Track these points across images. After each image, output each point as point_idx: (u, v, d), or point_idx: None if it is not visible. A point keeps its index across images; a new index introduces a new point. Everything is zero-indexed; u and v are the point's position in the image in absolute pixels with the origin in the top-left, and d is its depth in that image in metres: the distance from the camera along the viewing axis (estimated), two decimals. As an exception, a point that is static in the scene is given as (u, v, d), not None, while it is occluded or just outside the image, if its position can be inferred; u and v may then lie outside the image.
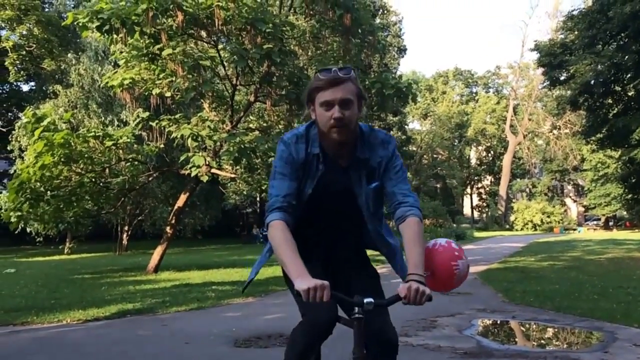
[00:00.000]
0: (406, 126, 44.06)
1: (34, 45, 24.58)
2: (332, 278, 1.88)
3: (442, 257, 1.99)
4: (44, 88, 26.96)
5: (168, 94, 11.49)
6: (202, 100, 12.47)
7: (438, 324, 5.73)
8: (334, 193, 2.06)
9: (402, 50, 39.59)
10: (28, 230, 16.32)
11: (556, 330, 5.67)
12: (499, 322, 6.21)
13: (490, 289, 8.75)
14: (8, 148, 22.28)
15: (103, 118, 21.64)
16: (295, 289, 1.70)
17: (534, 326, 5.90)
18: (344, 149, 2.00)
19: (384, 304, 1.83)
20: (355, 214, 2.09)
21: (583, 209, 52.90)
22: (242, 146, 10.62)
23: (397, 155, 2.07)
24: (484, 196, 58.82)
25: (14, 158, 22.01)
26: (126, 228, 23.11)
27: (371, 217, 2.10)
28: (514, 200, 54.09)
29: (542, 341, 5.32)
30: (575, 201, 55.39)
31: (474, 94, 61.13)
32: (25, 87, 30.07)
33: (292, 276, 1.75)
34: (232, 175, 13.35)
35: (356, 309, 1.76)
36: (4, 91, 29.27)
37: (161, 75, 11.35)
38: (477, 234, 35.19)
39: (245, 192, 28.77)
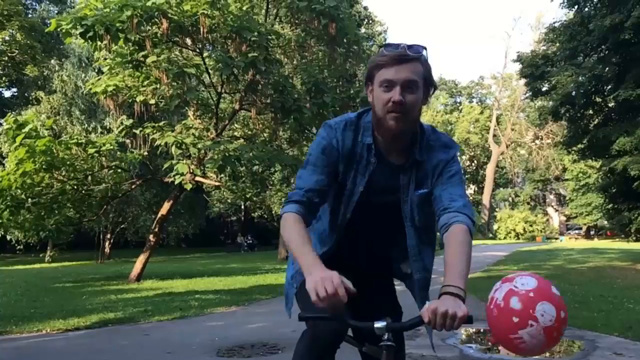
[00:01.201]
0: (391, 135, 44.26)
1: (17, 51, 24.37)
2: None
3: (498, 323, 1.45)
4: (26, 94, 26.72)
5: (152, 102, 11.44)
6: (186, 108, 12.43)
7: (421, 332, 5.73)
8: (380, 195, 1.76)
9: (387, 60, 39.81)
10: (8, 238, 16.11)
11: (538, 338, 5.71)
12: (482, 330, 6.24)
13: (473, 298, 8.77)
14: (-12, 154, 21.93)
15: (86, 125, 21.48)
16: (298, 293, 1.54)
17: (517, 335, 5.94)
18: (399, 142, 1.70)
19: (399, 328, 1.51)
20: (398, 225, 1.78)
21: (565, 218, 53.52)
22: (227, 154, 10.60)
23: (457, 161, 1.76)
24: (467, 205, 59.19)
25: (-6, 165, 21.69)
26: (109, 236, 22.88)
27: (414, 231, 1.78)
28: (497, 209, 54.57)
29: (524, 350, 5.35)
30: (557, 210, 56.00)
31: (457, 104, 61.70)
32: (7, 93, 29.80)
33: (303, 270, 1.47)
34: (217, 184, 13.31)
35: (386, 334, 1.47)
36: (-15, 97, 28.92)
37: (145, 83, 11.30)
38: (460, 243, 35.28)
39: (229, 201, 28.67)
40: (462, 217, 1.62)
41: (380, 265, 1.91)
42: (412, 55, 1.61)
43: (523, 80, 25.27)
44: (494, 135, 52.72)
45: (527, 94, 23.93)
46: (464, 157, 58.69)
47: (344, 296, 1.36)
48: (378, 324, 1.44)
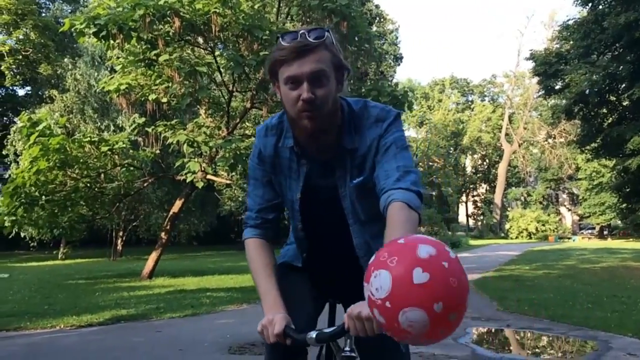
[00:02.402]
0: (402, 134, 44.12)
1: (31, 50, 24.59)
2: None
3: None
4: (40, 93, 26.92)
5: (164, 100, 11.50)
6: (198, 107, 12.47)
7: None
8: (321, 197, 1.60)
9: (398, 59, 39.75)
10: (22, 235, 16.23)
11: (551, 338, 5.67)
12: (493, 330, 6.21)
13: (485, 297, 8.74)
14: (3, 152, 22.19)
15: (99, 123, 21.61)
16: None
17: (529, 335, 5.90)
18: (321, 140, 1.49)
19: (324, 339, 1.31)
20: (343, 224, 1.60)
21: (578, 218, 53.06)
22: (238, 152, 10.62)
23: (393, 130, 1.51)
24: (479, 204, 58.92)
25: (8, 162, 21.92)
26: (121, 234, 23.02)
27: (360, 227, 1.59)
28: (509, 209, 54.22)
29: (537, 350, 5.32)
30: (570, 210, 55.54)
31: (469, 102, 61.37)
32: (21, 92, 30.08)
33: (264, 310, 1.45)
34: (228, 182, 13.35)
35: (347, 343, 1.34)
36: (0, 95, 29.21)
37: (158, 81, 11.35)
38: (472, 242, 35.21)
39: (240, 199, 28.73)
40: (398, 193, 1.38)
41: (353, 268, 1.62)
42: (314, 43, 1.40)
43: (536, 79, 25.13)
44: (506, 134, 52.38)
45: (540, 92, 23.81)
46: (475, 155, 58.44)
47: (273, 337, 1.34)
48: (311, 335, 1.31)
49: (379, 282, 1.03)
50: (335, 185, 1.56)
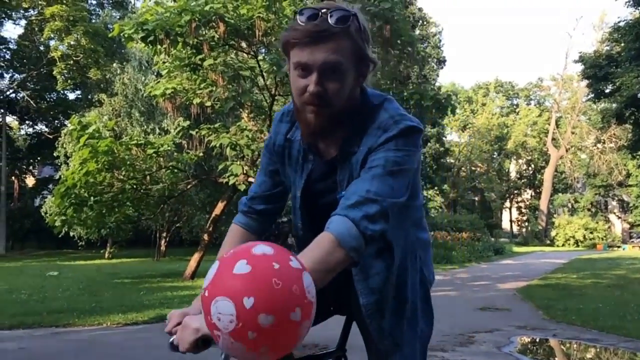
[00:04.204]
0: (444, 138, 43.63)
1: (81, 55, 25.39)
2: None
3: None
4: (89, 96, 27.81)
5: (208, 104, 11.69)
6: (241, 110, 12.62)
7: (476, 339, 5.61)
8: (320, 198, 1.44)
9: (441, 62, 39.30)
10: (71, 234, 16.79)
11: (599, 350, 5.48)
12: (538, 340, 6.05)
13: (530, 306, 8.53)
14: (54, 154, 23.00)
15: (145, 126, 22.15)
16: None
17: (576, 345, 5.72)
18: (322, 138, 1.35)
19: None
20: None
21: (628, 226, 51.12)
22: (280, 156, 10.68)
23: (390, 147, 1.27)
24: (523, 210, 57.58)
25: (59, 164, 22.71)
26: (164, 234, 23.50)
27: None
28: (555, 215, 52.76)
29: (585, 361, 5.15)
30: (619, 217, 53.59)
31: (514, 106, 60.12)
32: (71, 96, 31.04)
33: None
34: (269, 185, 13.44)
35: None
36: (52, 99, 30.29)
37: (202, 85, 11.56)
38: (516, 249, 34.44)
39: (281, 202, 28.90)
40: (337, 223, 1.18)
41: (343, 290, 1.43)
42: (334, 29, 1.21)
43: (585, 82, 24.44)
44: (553, 139, 51.02)
45: (589, 96, 23.15)
46: (520, 160, 57.15)
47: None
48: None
49: (209, 272, 0.97)
50: (335, 188, 1.38)
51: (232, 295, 0.90)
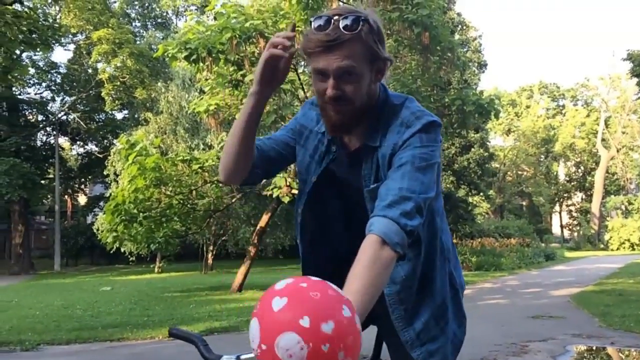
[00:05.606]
0: (488, 143, 42.83)
1: (127, 76, 26.25)
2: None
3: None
4: (136, 116, 28.69)
5: (250, 118, 11.84)
6: (282, 123, 12.74)
7: (529, 349, 5.46)
8: (334, 188, 1.51)
9: (482, 66, 38.70)
10: (122, 250, 17.26)
11: (662, 359, 5.25)
12: (595, 348, 5.84)
13: (585, 313, 8.25)
14: (104, 173, 23.76)
15: (190, 142, 22.65)
16: None
17: (635, 354, 5.50)
18: (344, 132, 1.43)
19: None
20: (358, 226, 1.38)
21: (687, 227, 48.89)
22: (322, 167, 10.72)
23: (414, 143, 1.34)
24: (574, 214, 55.83)
25: (109, 182, 23.44)
26: (211, 248, 23.87)
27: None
28: (608, 218, 50.91)
29: (646, 371, 4.94)
30: (677, 218, 51.34)
31: (560, 107, 58.58)
32: (119, 115, 32.09)
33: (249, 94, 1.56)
34: (313, 196, 13.50)
35: None
36: (101, 120, 31.37)
37: (244, 100, 11.71)
38: (568, 254, 33.37)
39: (325, 212, 28.94)
40: (378, 224, 1.23)
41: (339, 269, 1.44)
42: (345, 36, 1.28)
43: (634, 80, 23.62)
44: (603, 140, 49.41)
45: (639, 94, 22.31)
46: (568, 162, 55.55)
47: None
48: (225, 357, 1.24)
49: (250, 333, 0.97)
50: (356, 182, 1.44)
51: (287, 326, 0.91)
